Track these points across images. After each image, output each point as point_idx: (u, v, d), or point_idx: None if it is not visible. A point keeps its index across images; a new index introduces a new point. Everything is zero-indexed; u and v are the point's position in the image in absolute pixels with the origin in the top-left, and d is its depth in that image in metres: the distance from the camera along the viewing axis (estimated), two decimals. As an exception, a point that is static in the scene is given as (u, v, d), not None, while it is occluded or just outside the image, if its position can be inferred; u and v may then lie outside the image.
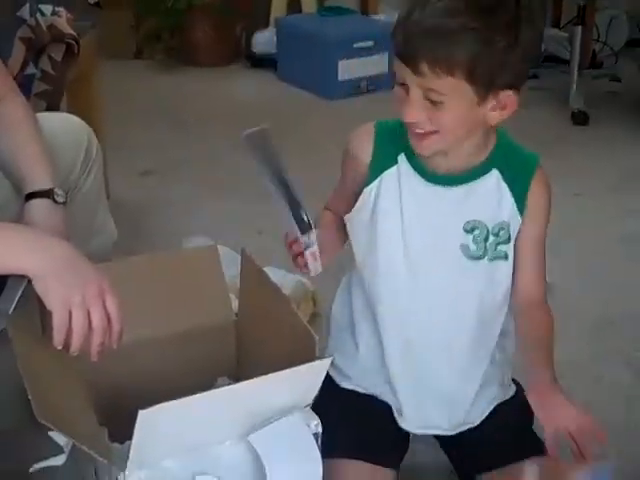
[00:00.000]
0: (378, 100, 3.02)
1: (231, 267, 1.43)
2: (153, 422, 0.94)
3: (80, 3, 4.10)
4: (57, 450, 1.07)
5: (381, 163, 1.20)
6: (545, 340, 1.20)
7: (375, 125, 1.23)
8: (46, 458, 1.07)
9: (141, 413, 0.91)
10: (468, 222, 1.18)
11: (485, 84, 1.07)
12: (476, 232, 1.18)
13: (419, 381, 1.26)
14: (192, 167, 2.71)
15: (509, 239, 1.19)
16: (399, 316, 1.24)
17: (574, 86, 3.16)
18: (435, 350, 1.24)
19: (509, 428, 1.28)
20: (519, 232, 1.20)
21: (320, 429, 1.09)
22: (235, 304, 1.43)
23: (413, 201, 1.19)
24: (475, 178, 1.18)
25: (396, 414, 1.29)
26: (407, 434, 1.31)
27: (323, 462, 1.16)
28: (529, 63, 1.10)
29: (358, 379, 1.31)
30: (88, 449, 0.96)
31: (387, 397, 1.30)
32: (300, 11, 3.77)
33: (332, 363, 1.28)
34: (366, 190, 1.21)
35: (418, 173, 1.19)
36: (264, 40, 3.69)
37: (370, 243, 1.22)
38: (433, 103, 1.08)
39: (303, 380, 1.07)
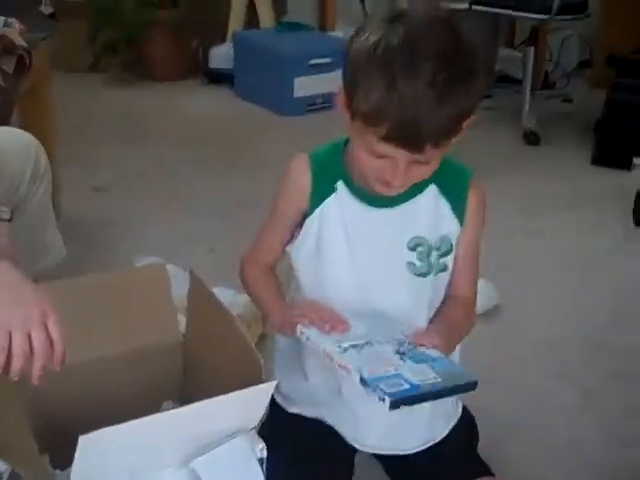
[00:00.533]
0: (333, 117, 3.00)
1: (181, 287, 1.42)
2: (94, 448, 0.92)
3: (34, 14, 4.07)
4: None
5: (321, 192, 1.20)
6: (455, 323, 1.23)
7: (309, 156, 1.22)
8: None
9: (82, 438, 0.90)
10: (411, 239, 1.20)
11: (461, 130, 1.09)
12: (420, 249, 1.20)
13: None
14: (146, 183, 2.69)
15: (450, 250, 1.22)
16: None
17: (527, 106, 3.21)
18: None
19: (460, 448, 1.29)
20: (462, 235, 1.23)
21: (265, 454, 1.09)
22: (184, 325, 1.42)
23: (356, 226, 1.20)
24: (414, 195, 1.19)
25: (353, 442, 1.28)
26: (352, 458, 1.31)
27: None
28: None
29: (306, 405, 1.30)
30: (26, 476, 0.94)
31: (343, 425, 1.29)
32: (258, 26, 3.78)
33: (279, 389, 1.30)
34: (308, 220, 1.21)
35: (358, 198, 1.19)
36: (221, 55, 3.69)
37: (317, 271, 1.23)
38: (420, 164, 1.08)
39: (248, 403, 1.07)
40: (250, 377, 1.09)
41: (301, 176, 1.22)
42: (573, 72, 3.86)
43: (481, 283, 1.95)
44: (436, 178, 1.17)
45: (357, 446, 1.29)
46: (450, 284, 1.26)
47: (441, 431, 1.30)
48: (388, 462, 1.33)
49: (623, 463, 1.53)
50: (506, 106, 3.39)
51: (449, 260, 1.22)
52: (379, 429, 1.27)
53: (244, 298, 1.84)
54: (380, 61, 1.02)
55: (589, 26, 3.66)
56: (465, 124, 1.09)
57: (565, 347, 1.87)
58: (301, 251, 1.24)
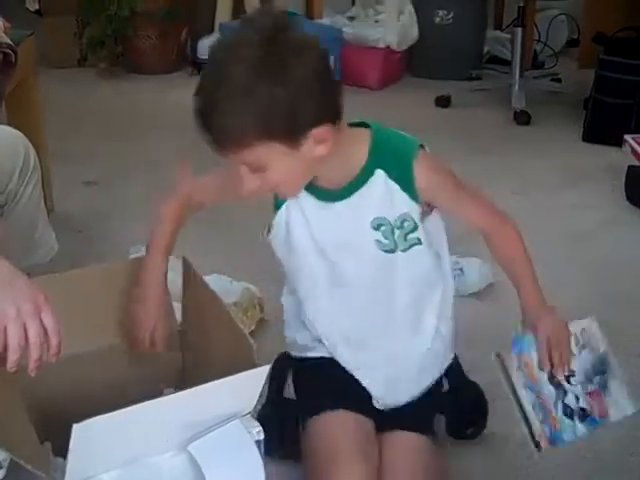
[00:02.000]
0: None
1: (178, 275, 1.43)
2: (89, 435, 0.93)
3: (20, 11, 4.05)
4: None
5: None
6: (517, 258, 1.32)
7: None
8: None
9: (75, 427, 0.91)
10: (373, 220, 1.23)
11: (284, 135, 1.09)
12: (383, 228, 1.24)
13: (372, 369, 1.32)
14: (137, 176, 2.69)
15: (416, 226, 1.25)
16: (332, 320, 1.32)
17: (516, 86, 3.22)
18: (375, 340, 1.32)
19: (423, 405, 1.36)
20: (435, 204, 1.26)
21: (262, 436, 1.10)
22: (180, 312, 1.43)
23: (317, 219, 1.26)
24: (362, 184, 1.22)
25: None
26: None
27: (307, 422, 1.28)
28: (323, 96, 1.10)
29: (320, 349, 1.36)
30: (25, 464, 0.95)
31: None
32: (245, 16, 3.77)
33: (295, 342, 1.38)
34: (277, 215, 1.28)
35: (312, 195, 1.24)
36: (209, 46, 3.68)
37: (291, 261, 1.30)
38: (257, 170, 1.12)
39: (242, 388, 1.08)
40: (244, 362, 1.10)
41: None
42: (561, 51, 3.86)
43: (476, 262, 1.98)
44: (381, 163, 1.21)
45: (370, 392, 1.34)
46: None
47: (425, 384, 1.37)
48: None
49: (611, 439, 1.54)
50: (496, 87, 3.39)
51: (419, 234, 1.25)
52: (379, 383, 1.33)
53: (241, 285, 1.85)
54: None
55: (576, 5, 3.67)
56: (309, 134, 1.09)
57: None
58: (275, 242, 1.30)
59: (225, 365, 1.12)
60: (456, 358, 1.52)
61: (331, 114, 1.12)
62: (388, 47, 3.58)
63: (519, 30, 3.26)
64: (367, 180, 1.22)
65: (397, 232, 1.24)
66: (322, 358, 1.35)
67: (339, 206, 1.24)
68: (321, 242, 1.26)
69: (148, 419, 1.00)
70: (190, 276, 1.33)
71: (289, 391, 1.41)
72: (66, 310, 1.10)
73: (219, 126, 1.09)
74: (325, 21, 3.68)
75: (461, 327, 1.41)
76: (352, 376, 1.33)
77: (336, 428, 1.26)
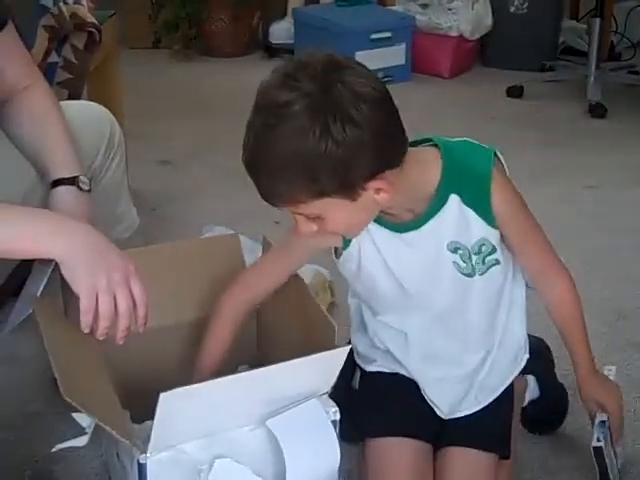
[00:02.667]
0: (395, 91, 3.01)
1: (250, 256, 1.45)
2: (174, 405, 0.96)
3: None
4: (76, 432, 1.09)
5: None
6: (571, 319, 1.28)
7: None
8: (66, 440, 1.09)
9: (162, 396, 0.93)
10: (449, 244, 1.18)
11: (338, 191, 1.03)
12: (460, 252, 1.19)
13: (441, 386, 1.28)
14: (209, 157, 2.72)
15: (494, 249, 1.20)
16: (404, 338, 1.27)
17: (592, 78, 3.15)
18: (449, 357, 1.28)
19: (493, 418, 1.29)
20: (504, 234, 1.20)
21: (338, 416, 1.11)
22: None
23: (392, 252, 1.20)
24: (436, 212, 1.16)
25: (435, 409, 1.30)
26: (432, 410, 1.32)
27: (361, 443, 1.24)
28: (381, 148, 1.03)
29: (382, 362, 1.32)
30: (111, 430, 0.98)
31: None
32: (317, 1, 3.78)
33: (356, 348, 1.33)
34: (345, 253, 1.22)
35: (385, 227, 1.18)
36: (281, 30, 3.70)
37: (364, 287, 1.26)
38: (315, 219, 1.08)
39: (322, 367, 1.09)
40: (324, 342, 1.12)
41: None
42: (639, 43, 3.77)
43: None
44: (455, 188, 1.15)
45: (429, 403, 1.30)
46: (525, 268, 1.26)
47: (491, 395, 1.30)
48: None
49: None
50: (570, 79, 3.33)
51: (498, 255, 1.20)
52: (446, 400, 1.29)
53: (312, 268, 1.86)
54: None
55: (656, -4, 3.57)
56: (367, 186, 1.04)
57: (634, 319, 1.85)
58: (346, 268, 1.26)
59: (303, 345, 1.14)
60: (550, 361, 1.49)
61: (391, 163, 1.05)
62: (461, 35, 3.54)
63: (597, 20, 3.19)
64: (441, 208, 1.15)
65: (475, 257, 1.19)
66: (388, 375, 1.31)
67: (412, 235, 1.18)
68: (394, 270, 1.20)
69: (231, 393, 1.02)
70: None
71: (355, 382, 1.36)
72: (147, 284, 1.12)
73: (267, 187, 1.04)
74: (398, 8, 3.66)
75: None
76: (415, 394, 1.29)
77: (393, 458, 1.22)
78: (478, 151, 1.18)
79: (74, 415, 1.05)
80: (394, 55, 3.43)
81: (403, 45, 3.43)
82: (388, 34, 3.39)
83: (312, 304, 1.19)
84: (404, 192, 1.10)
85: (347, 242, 1.21)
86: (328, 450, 1.08)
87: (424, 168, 1.14)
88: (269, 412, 1.07)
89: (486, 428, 1.26)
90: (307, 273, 1.85)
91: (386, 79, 3.37)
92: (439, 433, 1.28)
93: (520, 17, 3.57)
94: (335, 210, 1.06)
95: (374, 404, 1.28)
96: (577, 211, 2.35)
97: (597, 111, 3.05)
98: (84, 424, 1.08)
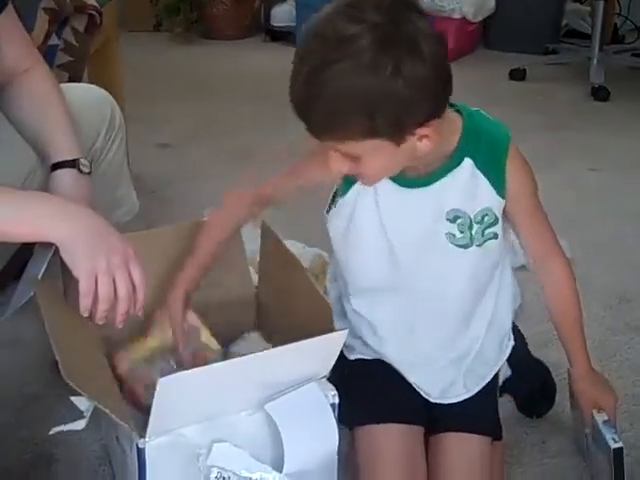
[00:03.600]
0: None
1: (250, 241, 1.45)
2: (172, 390, 0.96)
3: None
4: (76, 416, 1.09)
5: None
6: (569, 313, 1.28)
7: None
8: (65, 423, 1.09)
9: (161, 381, 0.93)
10: (449, 212, 1.16)
11: (389, 134, 1.01)
12: (459, 221, 1.17)
13: (423, 365, 1.27)
14: (210, 139, 2.72)
15: (496, 221, 1.18)
16: (384, 311, 1.25)
17: (595, 61, 3.14)
18: (426, 333, 1.26)
19: (484, 401, 1.29)
20: (510, 209, 1.19)
21: (337, 400, 1.11)
22: (255, 277, 1.44)
23: (391, 206, 1.18)
24: (449, 171, 1.15)
25: (422, 393, 1.29)
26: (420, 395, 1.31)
27: (350, 432, 1.23)
28: (439, 94, 1.01)
29: (363, 350, 1.30)
30: (111, 413, 0.98)
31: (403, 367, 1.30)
32: (319, -17, 3.75)
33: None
34: (340, 201, 1.20)
35: (391, 180, 1.16)
36: (283, 13, 3.68)
37: (345, 250, 1.24)
38: (352, 159, 1.05)
39: (320, 351, 1.09)
40: (321, 326, 1.11)
41: None
42: (643, 26, 3.75)
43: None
44: (471, 152, 1.14)
45: (415, 387, 1.29)
46: (525, 246, 1.24)
47: (480, 382, 1.30)
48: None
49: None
50: (574, 61, 3.32)
51: (497, 229, 1.19)
52: (431, 379, 1.28)
53: (312, 251, 1.86)
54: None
55: (661, -22, 3.55)
56: (415, 132, 1.02)
57: (634, 302, 1.85)
58: (332, 226, 1.23)
59: (302, 328, 1.13)
60: (522, 339, 1.49)
61: (441, 110, 1.03)
62: (464, 18, 3.53)
63: (600, 3, 3.17)
64: (453, 169, 1.14)
65: (475, 227, 1.17)
66: (372, 362, 1.29)
67: (416, 193, 1.16)
68: (388, 227, 1.18)
69: (228, 378, 1.02)
70: (269, 238, 1.34)
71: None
72: (146, 268, 1.12)
73: (320, 123, 1.00)
74: (400, -10, 3.64)
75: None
76: (400, 378, 1.28)
77: (382, 445, 1.21)
78: (498, 125, 1.18)
79: (72, 398, 1.05)
80: (396, 38, 3.41)
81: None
82: (390, 16, 3.38)
83: (311, 287, 1.19)
84: (423, 156, 1.08)
85: (346, 188, 1.18)
86: (327, 433, 1.08)
87: (449, 126, 1.11)
88: (267, 396, 1.07)
89: (477, 412, 1.27)
90: (307, 256, 1.85)
91: (388, 62, 3.37)
92: (431, 419, 1.27)
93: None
94: (378, 153, 1.03)
95: (359, 392, 1.25)
96: (580, 194, 2.35)
97: (600, 94, 3.03)
98: (82, 407, 1.07)
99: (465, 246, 1.18)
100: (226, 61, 3.48)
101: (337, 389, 1.12)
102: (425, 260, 1.19)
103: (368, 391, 1.27)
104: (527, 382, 1.47)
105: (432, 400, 1.28)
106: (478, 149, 1.14)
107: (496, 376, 1.32)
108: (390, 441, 1.21)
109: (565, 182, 2.35)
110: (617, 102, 3.01)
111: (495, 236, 1.19)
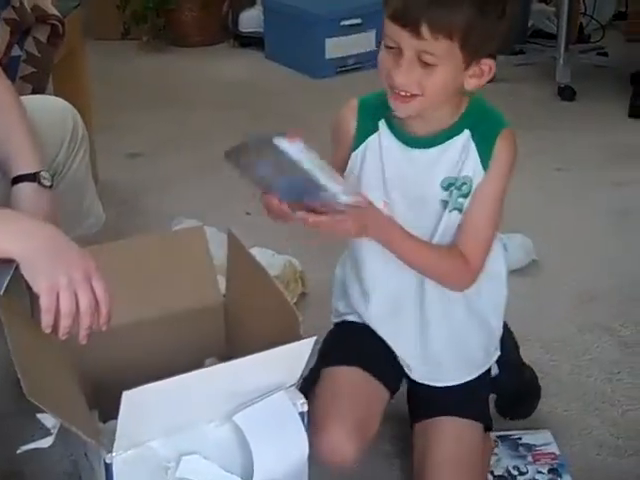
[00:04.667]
0: (365, 77, 3.01)
1: (220, 248, 1.44)
2: (138, 403, 0.95)
3: (65, -17, 4.07)
4: (44, 433, 1.08)
5: (364, 131, 1.28)
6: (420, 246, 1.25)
7: (357, 99, 1.30)
8: (33, 440, 1.08)
9: (125, 394, 0.93)
10: (444, 179, 1.24)
11: (474, 51, 1.14)
12: (451, 188, 1.24)
13: (405, 337, 1.33)
14: (180, 148, 2.71)
15: (469, 193, 1.24)
16: (378, 276, 1.32)
17: (561, 61, 3.16)
18: (411, 304, 1.31)
19: (472, 391, 1.34)
20: (478, 185, 1.24)
21: (306, 408, 1.11)
22: (224, 285, 1.44)
23: (393, 163, 1.26)
24: (448, 138, 1.23)
25: (404, 365, 1.35)
26: (401, 369, 1.36)
27: (320, 372, 1.28)
28: (511, 36, 1.16)
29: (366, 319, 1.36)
30: (77, 430, 0.97)
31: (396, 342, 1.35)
32: (287, -12, 3.75)
33: (338, 310, 1.40)
34: (353, 155, 1.29)
35: (396, 137, 1.26)
36: (251, 18, 3.67)
37: None
38: (425, 66, 1.14)
39: (288, 360, 1.09)
40: (289, 334, 1.11)
41: (347, 121, 1.29)
42: (608, 25, 3.77)
43: (519, 238, 1.96)
44: (471, 124, 1.23)
45: (404, 366, 1.35)
46: (457, 233, 1.27)
47: (465, 377, 1.35)
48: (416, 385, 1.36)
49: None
50: (540, 61, 3.34)
51: (465, 202, 1.25)
52: (419, 358, 1.33)
53: (282, 259, 1.87)
54: None
55: (624, -23, 3.58)
56: (482, 64, 1.15)
57: (603, 301, 1.87)
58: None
59: (270, 337, 1.13)
60: (513, 341, 1.52)
61: (498, 53, 1.21)
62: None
63: (565, 2, 3.19)
64: (453, 137, 1.23)
65: (455, 192, 1.24)
66: (358, 324, 1.36)
67: (419, 153, 1.24)
68: (388, 180, 1.26)
69: (195, 388, 1.02)
70: (235, 248, 1.33)
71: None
72: (111, 280, 1.11)
73: (439, 6, 1.09)
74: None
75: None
76: (385, 348, 1.33)
77: (342, 381, 1.28)
78: (500, 113, 1.27)
79: (39, 416, 1.04)
80: (365, 41, 3.41)
81: (374, 31, 3.41)
82: (358, 20, 3.38)
83: (278, 295, 1.18)
84: (442, 107, 1.20)
85: (358, 143, 1.27)
86: (296, 442, 1.08)
87: (456, 100, 1.22)
88: (236, 406, 1.07)
89: (473, 400, 1.32)
90: (277, 264, 1.85)
91: (357, 66, 3.38)
92: (423, 402, 1.33)
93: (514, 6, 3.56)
94: (449, 65, 1.14)
95: (338, 341, 1.33)
96: (547, 194, 2.37)
97: (566, 93, 3.06)
98: (49, 425, 1.06)
99: (445, 208, 1.24)
100: (195, 68, 3.47)
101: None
102: (417, 216, 1.25)
103: (350, 342, 1.34)
104: (513, 384, 1.49)
105: (412, 376, 1.34)
106: (478, 124, 1.23)
107: (486, 373, 1.37)
108: (351, 377, 1.27)
109: (532, 182, 2.36)
110: (583, 101, 3.04)
111: (460, 208, 1.24)
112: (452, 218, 1.25)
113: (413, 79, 1.15)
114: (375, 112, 1.27)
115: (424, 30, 1.10)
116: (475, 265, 1.25)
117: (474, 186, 1.23)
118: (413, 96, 1.16)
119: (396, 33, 1.13)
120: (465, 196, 1.24)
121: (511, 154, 1.24)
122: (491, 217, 1.25)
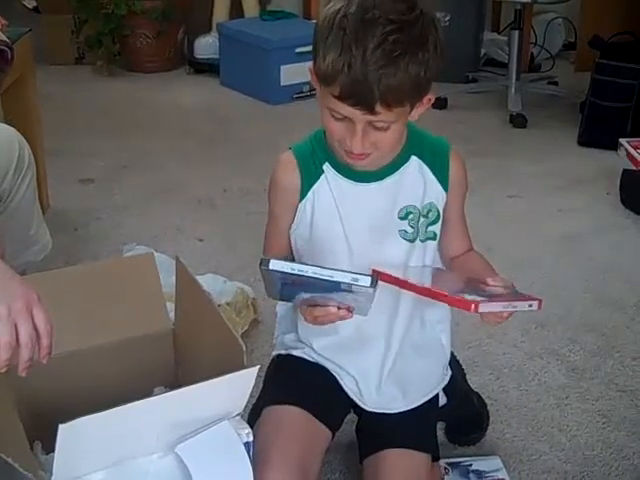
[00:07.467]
0: (320, 105, 3.04)
1: (170, 275, 1.43)
2: (75, 435, 0.93)
3: (17, 8, 4.06)
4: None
5: (309, 178, 1.25)
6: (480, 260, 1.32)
7: (292, 151, 1.27)
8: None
9: (62, 427, 0.91)
10: (401, 209, 1.25)
11: (420, 97, 1.16)
12: (410, 217, 1.26)
13: (375, 365, 1.31)
14: (133, 174, 2.69)
15: (438, 218, 1.27)
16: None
17: (512, 89, 3.21)
18: (382, 329, 1.30)
19: (419, 418, 1.33)
20: (447, 204, 1.27)
21: (251, 438, 1.10)
22: (173, 312, 1.43)
23: (347, 202, 1.25)
24: (398, 168, 1.25)
25: (355, 397, 1.33)
26: (349, 403, 1.34)
27: (261, 413, 1.25)
28: (463, 65, 1.17)
29: (307, 352, 1.34)
30: (12, 462, 0.95)
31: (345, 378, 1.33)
32: (242, 16, 3.77)
33: (283, 343, 1.37)
34: (300, 205, 1.26)
35: (345, 176, 1.25)
36: (206, 45, 3.68)
37: (313, 256, 1.26)
38: (379, 129, 1.14)
39: (232, 389, 1.08)
40: (233, 363, 1.10)
41: (288, 176, 1.27)
42: (558, 54, 3.86)
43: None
44: (416, 151, 1.25)
45: (355, 398, 1.33)
46: (449, 247, 1.31)
47: (419, 399, 1.34)
48: (366, 418, 1.35)
49: (605, 440, 1.55)
50: (492, 90, 3.39)
51: (437, 228, 1.27)
52: (377, 384, 1.32)
53: (235, 285, 1.86)
54: (337, 26, 1.10)
55: (573, 9, 3.66)
56: (425, 99, 1.16)
57: (551, 327, 1.89)
58: (296, 236, 1.28)
59: (215, 366, 1.12)
60: (460, 368, 1.53)
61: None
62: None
63: (516, 33, 3.25)
64: (401, 166, 1.24)
65: (422, 220, 1.26)
66: (304, 360, 1.33)
67: (371, 187, 1.24)
68: (344, 217, 1.25)
69: (136, 419, 1.00)
70: (183, 276, 1.33)
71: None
72: (58, 308, 1.09)
73: (389, 83, 1.08)
74: (323, 21, 3.68)
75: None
76: (329, 385, 1.31)
77: (284, 418, 1.25)
78: (438, 136, 1.30)
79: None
80: (320, 68, 3.44)
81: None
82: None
83: (223, 326, 1.18)
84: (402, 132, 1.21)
85: (305, 192, 1.25)
86: (240, 473, 1.07)
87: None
88: (179, 437, 1.05)
89: (420, 430, 1.31)
90: (229, 291, 1.84)
91: (312, 92, 3.39)
92: (370, 435, 1.31)
93: (443, 30, 3.61)
94: (399, 120, 1.14)
95: (281, 378, 1.31)
96: (498, 220, 2.39)
97: (518, 121, 3.11)
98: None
99: (412, 240, 1.25)
100: (149, 94, 3.45)
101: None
102: (377, 249, 1.25)
103: (294, 379, 1.32)
104: (461, 411, 1.50)
105: (366, 407, 1.31)
106: (422, 149, 1.26)
107: (436, 397, 1.36)
108: (293, 419, 1.25)
109: (484, 208, 2.39)
110: (534, 129, 3.09)
111: (434, 236, 1.27)
112: (428, 247, 1.27)
113: (369, 143, 1.15)
114: (315, 158, 1.25)
115: (378, 107, 1.10)
116: None
117: (440, 210, 1.26)
118: (370, 154, 1.17)
119: (345, 109, 1.12)
120: (434, 223, 1.26)
121: (465, 171, 1.29)
122: (465, 221, 1.32)
